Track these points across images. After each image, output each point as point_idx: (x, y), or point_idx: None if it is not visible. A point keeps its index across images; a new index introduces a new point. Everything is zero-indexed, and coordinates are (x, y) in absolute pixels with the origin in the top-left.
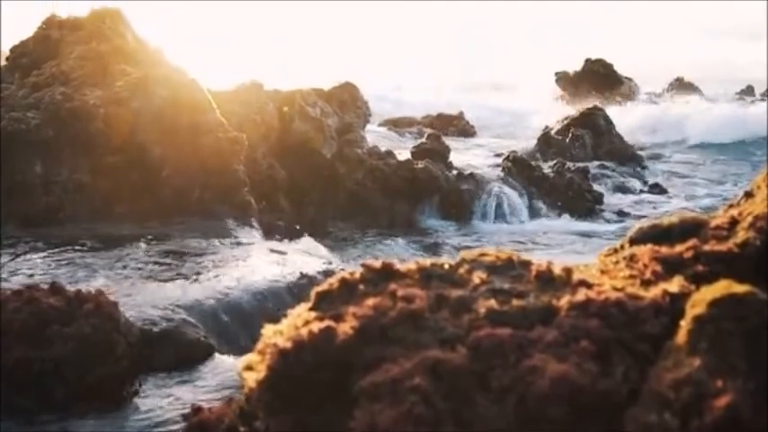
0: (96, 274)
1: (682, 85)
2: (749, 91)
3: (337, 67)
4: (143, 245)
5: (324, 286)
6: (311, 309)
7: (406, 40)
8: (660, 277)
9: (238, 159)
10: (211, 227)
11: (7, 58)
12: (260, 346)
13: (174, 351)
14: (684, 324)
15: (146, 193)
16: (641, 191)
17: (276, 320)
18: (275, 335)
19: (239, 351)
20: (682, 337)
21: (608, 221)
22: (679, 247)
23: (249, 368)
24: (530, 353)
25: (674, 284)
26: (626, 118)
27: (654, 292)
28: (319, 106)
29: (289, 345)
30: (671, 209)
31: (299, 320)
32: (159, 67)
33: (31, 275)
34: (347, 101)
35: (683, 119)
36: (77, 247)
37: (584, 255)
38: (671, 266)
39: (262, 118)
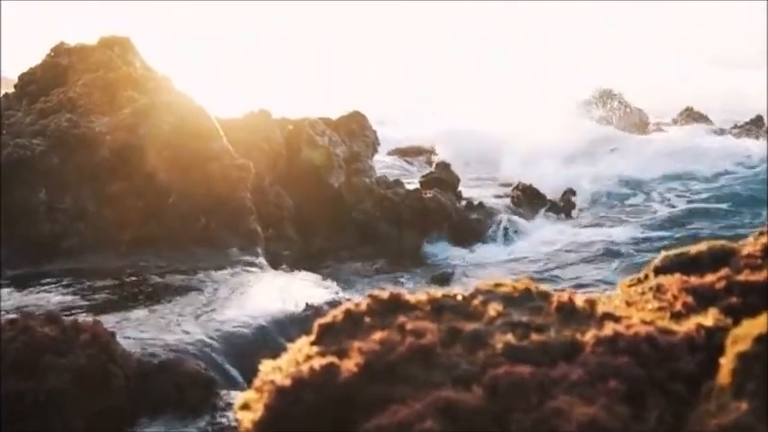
0: (96, 303)
1: (691, 115)
2: (758, 121)
3: (347, 95)
4: (146, 274)
5: (327, 318)
6: (313, 343)
7: (411, 58)
8: (692, 309)
9: (245, 187)
10: (217, 256)
11: (15, 86)
12: (257, 383)
13: (173, 383)
14: (726, 362)
15: (151, 220)
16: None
17: (278, 354)
18: (274, 371)
19: (240, 385)
20: (725, 377)
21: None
22: (710, 277)
23: (245, 407)
24: (553, 393)
25: (709, 318)
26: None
27: (687, 325)
28: (327, 135)
29: (288, 382)
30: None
31: (299, 355)
32: (166, 94)
33: (31, 304)
34: (355, 130)
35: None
36: (78, 276)
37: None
38: (702, 298)
39: (269, 146)
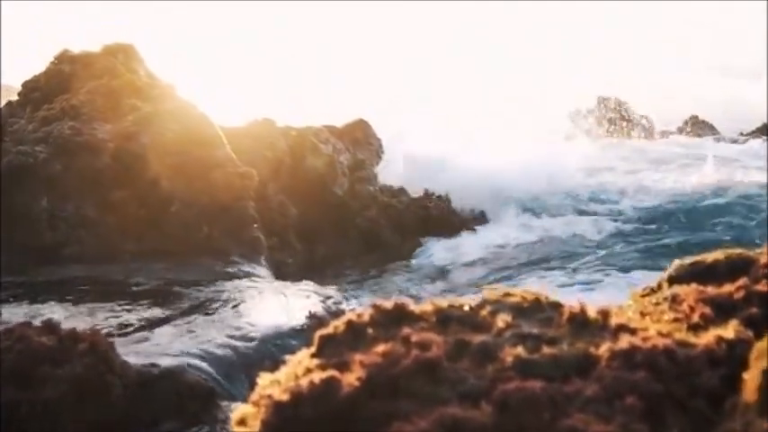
0: (96, 312)
1: (697, 124)
2: (764, 129)
3: (347, 95)
4: (147, 282)
5: (328, 329)
6: (313, 355)
7: (415, 65)
8: (710, 321)
9: (248, 195)
10: (219, 265)
11: (19, 93)
12: (254, 397)
13: (173, 393)
14: (751, 378)
15: (153, 228)
16: None
17: (278, 366)
18: (272, 385)
19: (241, 397)
20: (750, 394)
21: None
22: (728, 287)
23: (242, 422)
24: (567, 410)
25: (730, 330)
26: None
27: (706, 338)
28: (332, 143)
29: (286, 397)
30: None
31: (299, 368)
32: (170, 101)
33: (30, 312)
34: (360, 138)
35: None
36: (78, 284)
37: None
38: (721, 309)
39: (273, 154)
